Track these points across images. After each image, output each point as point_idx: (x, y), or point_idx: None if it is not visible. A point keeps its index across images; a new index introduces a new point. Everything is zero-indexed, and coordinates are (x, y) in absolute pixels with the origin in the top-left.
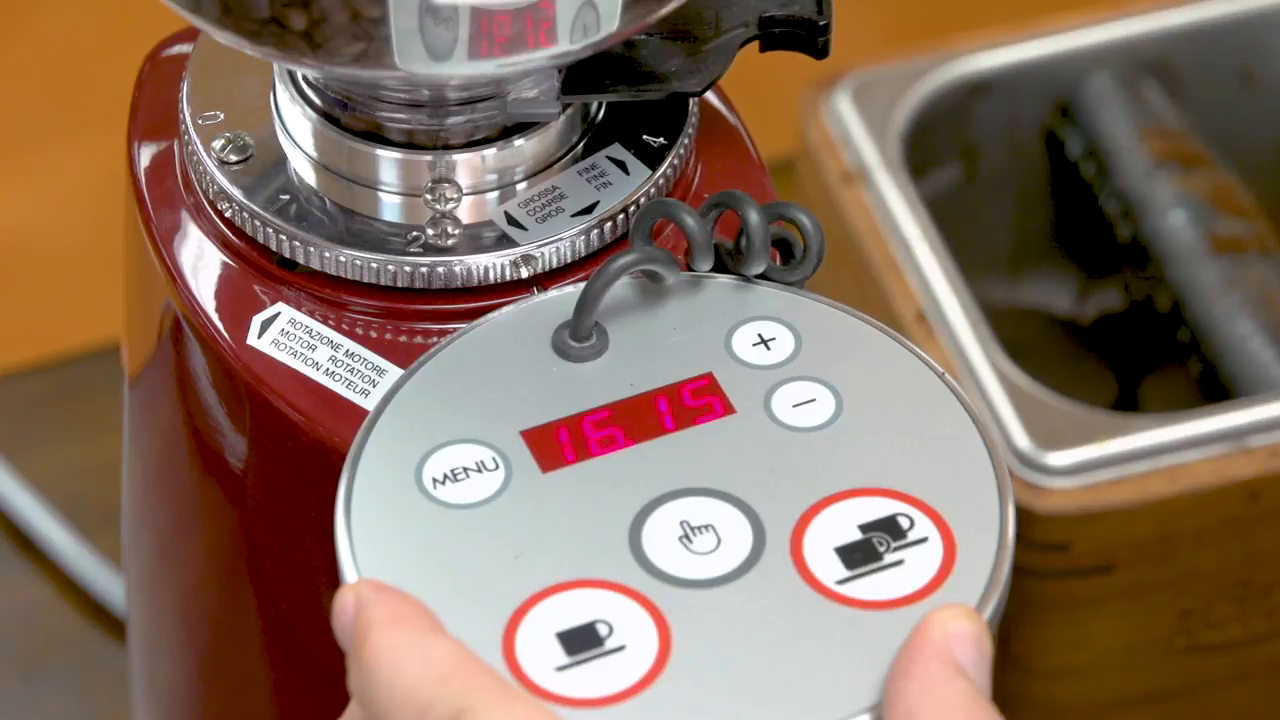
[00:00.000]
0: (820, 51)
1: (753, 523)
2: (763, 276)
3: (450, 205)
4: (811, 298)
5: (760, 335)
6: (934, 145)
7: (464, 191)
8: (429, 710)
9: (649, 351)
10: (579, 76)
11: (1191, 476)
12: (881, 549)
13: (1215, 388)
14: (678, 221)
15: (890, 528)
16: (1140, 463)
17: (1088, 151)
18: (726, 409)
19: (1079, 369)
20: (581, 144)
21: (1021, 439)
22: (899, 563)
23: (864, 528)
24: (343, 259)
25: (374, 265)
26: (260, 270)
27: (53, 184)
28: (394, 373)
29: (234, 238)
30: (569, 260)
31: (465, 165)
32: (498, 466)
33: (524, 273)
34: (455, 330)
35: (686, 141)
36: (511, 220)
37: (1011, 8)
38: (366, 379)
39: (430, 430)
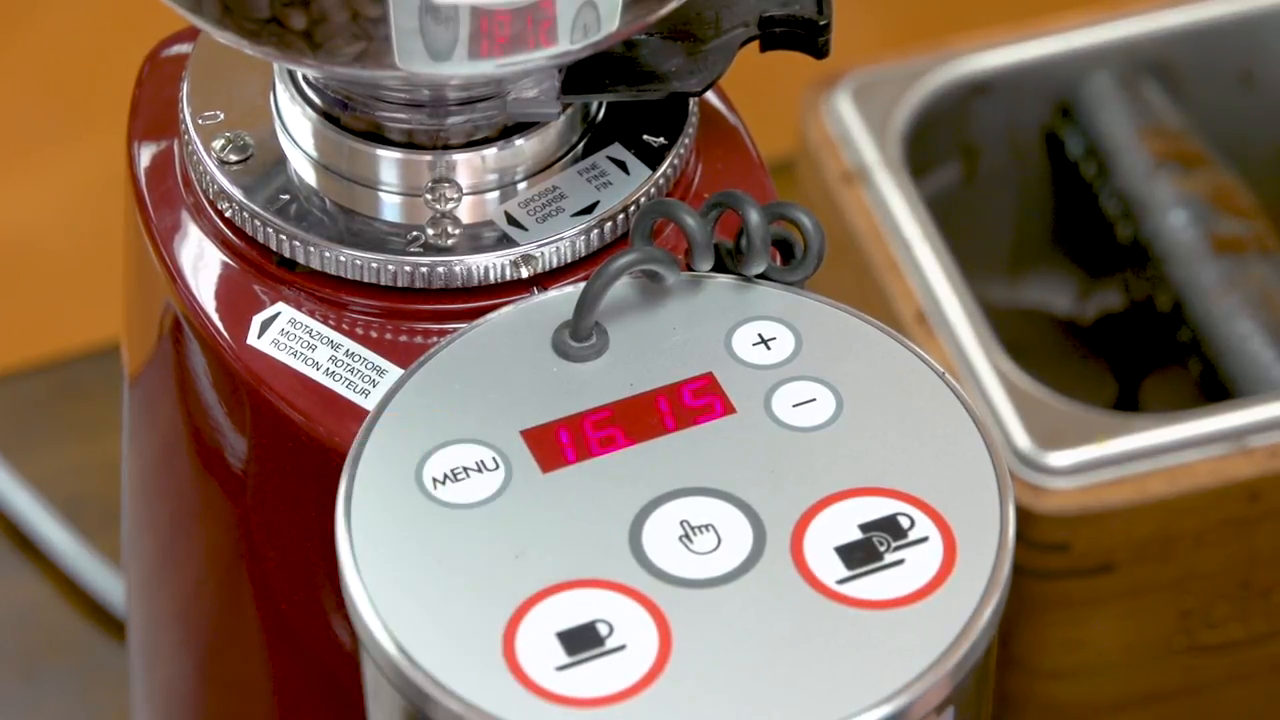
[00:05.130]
0: (820, 51)
1: (753, 522)
2: (763, 276)
3: (450, 205)
4: (812, 298)
5: (760, 335)
6: (934, 145)
7: (464, 191)
8: None
9: (649, 351)
10: (579, 76)
11: (1191, 476)
12: (882, 548)
13: (1215, 388)
14: (678, 221)
15: (890, 527)
16: (1140, 463)
17: (1088, 151)
18: (727, 409)
19: (1079, 369)
20: (581, 144)
21: (1021, 439)
22: (899, 562)
23: (864, 527)
24: (343, 259)
25: (374, 265)
26: (260, 270)
27: (53, 184)
28: (394, 373)
29: (234, 238)
30: (569, 260)
31: (465, 165)
32: (498, 466)
33: (524, 273)
34: (455, 330)
35: (686, 141)
36: (511, 220)
37: (1011, 8)
38: (366, 379)
39: (430, 430)
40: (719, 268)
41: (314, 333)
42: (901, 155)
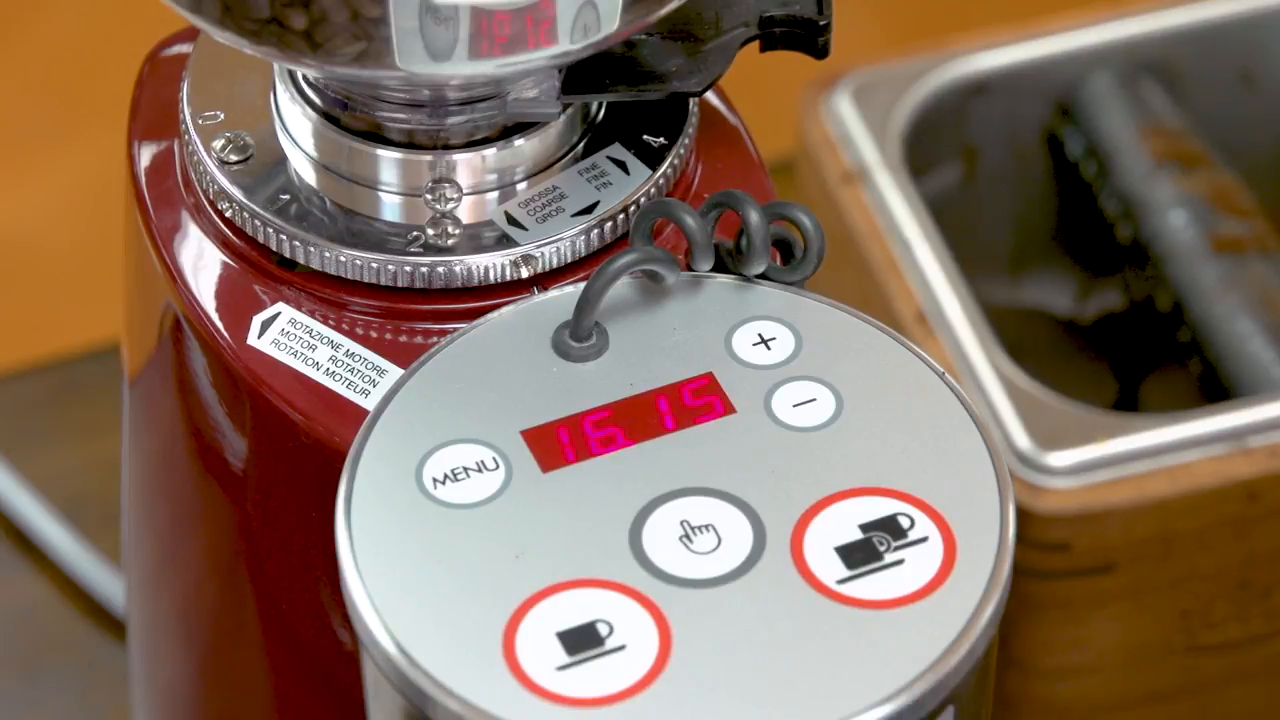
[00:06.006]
0: (820, 51)
1: (753, 522)
2: (763, 276)
3: (450, 205)
4: (811, 298)
5: (760, 335)
6: (934, 145)
7: (464, 191)
8: None
9: (649, 351)
10: (579, 76)
11: (1191, 476)
12: (882, 548)
13: (1215, 388)
14: (678, 221)
15: (890, 527)
16: (1140, 463)
17: (1088, 151)
18: (727, 409)
19: (1079, 369)
20: (582, 144)
21: (1021, 439)
22: (899, 562)
23: (864, 527)
24: (343, 259)
25: (374, 265)
26: (260, 270)
27: (53, 184)
28: (394, 373)
29: (234, 237)
30: (569, 260)
31: (465, 165)
32: (498, 466)
33: (524, 273)
34: (455, 330)
35: (686, 141)
36: (511, 220)
37: (1011, 8)
38: (366, 379)
39: (430, 430)
40: (719, 268)
41: (314, 333)
42: (901, 155)
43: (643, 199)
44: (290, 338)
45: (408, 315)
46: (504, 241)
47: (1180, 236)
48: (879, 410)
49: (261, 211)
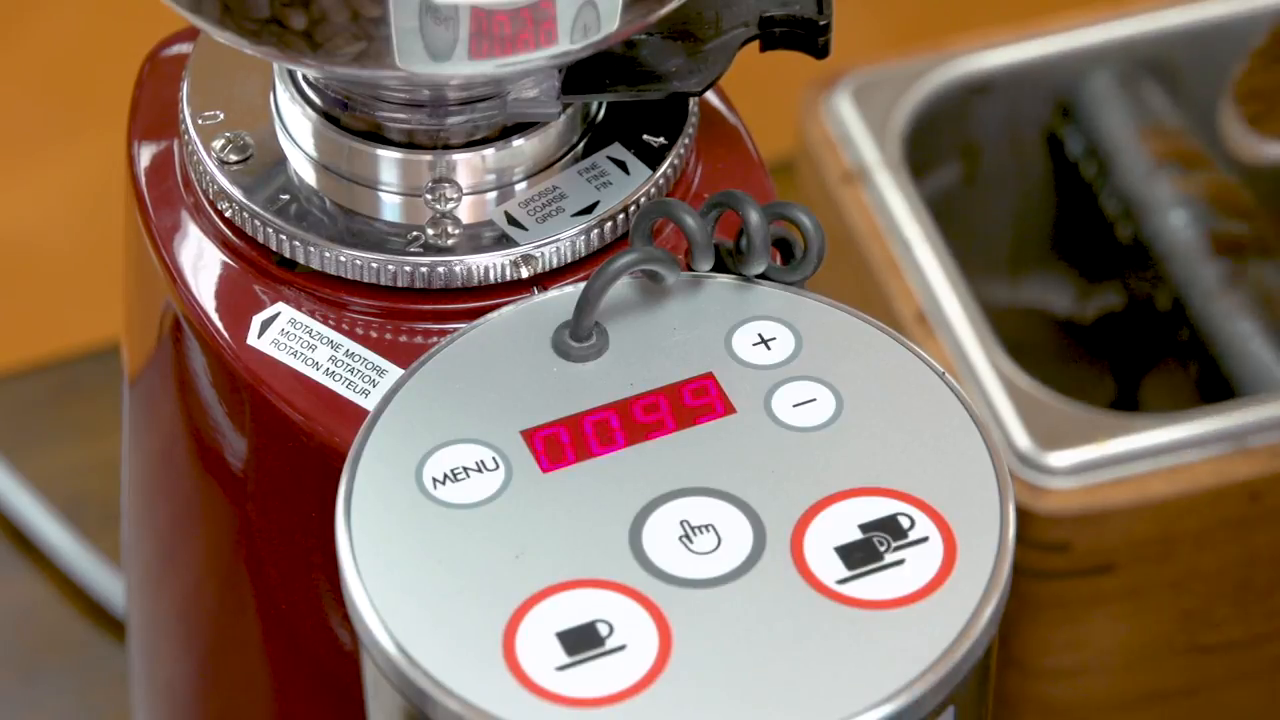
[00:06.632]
0: (820, 51)
1: (753, 522)
2: (763, 276)
3: (450, 205)
4: (812, 298)
5: (760, 335)
6: (934, 145)
7: (464, 191)
8: None
9: (649, 351)
10: (579, 76)
11: (1191, 476)
12: (882, 548)
13: (1215, 388)
14: (678, 221)
15: (891, 527)
16: (1140, 463)
17: (1088, 151)
18: (727, 409)
19: (1079, 369)
20: (581, 144)
21: (1021, 439)
22: (899, 562)
23: (864, 527)
24: (343, 259)
25: (374, 265)
26: (260, 270)
27: (53, 184)
28: (394, 373)
29: (234, 237)
30: (569, 260)
31: (465, 165)
32: (498, 466)
33: (524, 273)
34: (455, 330)
35: (686, 141)
36: (511, 220)
37: (1011, 8)
38: (366, 379)
39: (430, 430)
40: (719, 268)
41: (314, 333)
42: (901, 155)
43: (643, 199)
44: (290, 338)
45: (408, 315)
46: (504, 241)
47: (1180, 236)
48: (879, 410)
49: (261, 211)
